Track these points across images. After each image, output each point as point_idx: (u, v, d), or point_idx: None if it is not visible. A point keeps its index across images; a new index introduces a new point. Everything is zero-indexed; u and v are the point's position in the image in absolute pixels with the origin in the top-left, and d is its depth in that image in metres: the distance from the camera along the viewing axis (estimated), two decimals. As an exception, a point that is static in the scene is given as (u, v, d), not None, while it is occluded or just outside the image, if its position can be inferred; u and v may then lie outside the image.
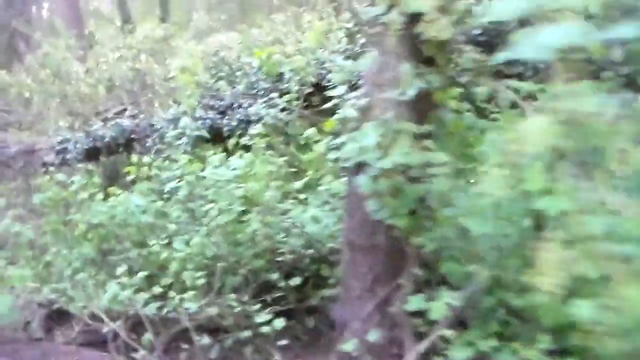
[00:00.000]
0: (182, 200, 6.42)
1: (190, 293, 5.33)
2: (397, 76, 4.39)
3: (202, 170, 6.41)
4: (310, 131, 6.45)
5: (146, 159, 7.81)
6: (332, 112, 7.36)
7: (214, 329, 5.19)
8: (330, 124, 5.52)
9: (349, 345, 4.39)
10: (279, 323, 4.76)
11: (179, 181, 6.57)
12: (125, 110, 13.27)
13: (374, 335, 4.44)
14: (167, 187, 6.44)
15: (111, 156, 9.42)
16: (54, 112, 11.57)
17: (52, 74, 12.62)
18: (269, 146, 7.26)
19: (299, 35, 16.29)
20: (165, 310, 5.30)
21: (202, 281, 5.54)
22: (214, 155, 6.95)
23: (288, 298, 5.58)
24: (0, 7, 15.99)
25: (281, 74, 8.50)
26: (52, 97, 12.02)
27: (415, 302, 4.10)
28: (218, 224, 5.96)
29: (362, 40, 8.13)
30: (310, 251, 5.75)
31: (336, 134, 6.46)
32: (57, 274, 6.18)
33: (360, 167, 4.22)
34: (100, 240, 6.80)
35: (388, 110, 4.39)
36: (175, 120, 8.64)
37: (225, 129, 8.29)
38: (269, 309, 5.26)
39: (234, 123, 8.28)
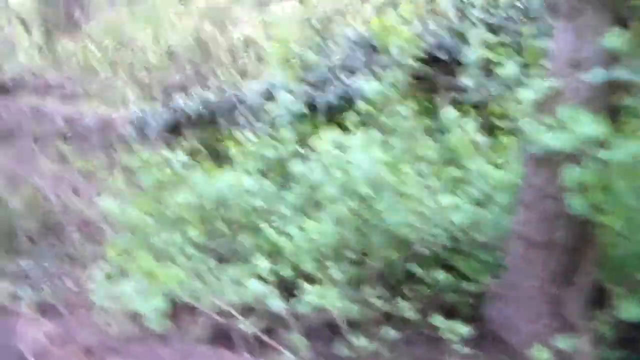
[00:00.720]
0: (304, 183, 6.00)
1: (326, 286, 4.91)
2: (596, 54, 3.90)
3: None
4: (448, 110, 5.94)
5: (241, 134, 7.40)
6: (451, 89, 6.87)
7: (360, 327, 4.76)
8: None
9: (541, 354, 3.94)
10: (460, 327, 4.31)
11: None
12: (185, 80, 12.86)
13: (564, 342, 4.00)
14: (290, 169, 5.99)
15: (194, 130, 8.95)
16: (122, 82, 11.14)
17: (116, 42, 12.19)
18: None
19: (360, 6, 15.79)
20: (301, 304, 4.89)
21: (333, 272, 5.13)
22: (328, 134, 6.49)
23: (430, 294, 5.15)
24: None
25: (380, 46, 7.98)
26: (119, 66, 11.59)
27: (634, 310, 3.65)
28: (348, 208, 5.53)
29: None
30: (451, 243, 5.31)
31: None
32: (170, 262, 5.76)
33: (547, 156, 3.77)
34: (206, 223, 6.40)
35: (582, 94, 3.91)
36: (267, 94, 8.15)
37: (321, 104, 7.79)
38: (416, 304, 4.86)
39: (332, 99, 7.78)
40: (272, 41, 9.74)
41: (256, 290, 4.83)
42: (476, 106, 6.31)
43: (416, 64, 7.26)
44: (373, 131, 6.93)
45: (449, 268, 5.22)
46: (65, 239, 7.22)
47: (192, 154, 8.86)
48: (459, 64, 7.60)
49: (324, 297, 4.86)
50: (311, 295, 4.87)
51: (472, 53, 5.86)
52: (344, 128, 7.70)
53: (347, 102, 7.93)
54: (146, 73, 11.65)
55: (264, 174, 6.78)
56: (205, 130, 8.99)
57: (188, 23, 12.46)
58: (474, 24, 7.54)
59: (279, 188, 6.58)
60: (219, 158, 8.96)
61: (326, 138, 6.38)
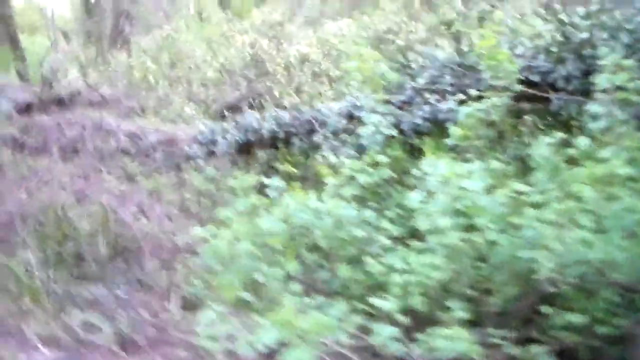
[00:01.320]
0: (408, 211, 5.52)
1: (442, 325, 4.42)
2: None
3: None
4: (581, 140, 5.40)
5: (325, 157, 6.96)
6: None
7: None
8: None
9: None
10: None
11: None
12: (241, 98, 12.49)
13: None
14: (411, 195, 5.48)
15: (266, 151, 8.52)
16: (180, 98, 10.78)
17: (172, 57, 11.85)
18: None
19: (412, 25, 15.40)
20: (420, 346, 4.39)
21: (454, 310, 4.64)
22: (435, 160, 6.02)
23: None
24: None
25: (471, 67, 7.54)
26: (176, 82, 11.25)
27: None
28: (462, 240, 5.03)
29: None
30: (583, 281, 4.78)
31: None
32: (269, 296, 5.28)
33: None
34: (301, 253, 5.93)
35: None
36: (348, 114, 7.71)
37: (408, 126, 7.32)
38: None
39: (419, 120, 7.31)
40: (350, 59, 9.27)
41: (381, 332, 4.33)
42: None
43: (516, 87, 6.83)
44: (491, 160, 6.49)
45: (578, 308, 4.71)
46: (138, 263, 6.77)
47: (268, 175, 8.48)
48: (554, 87, 7.15)
49: (451, 339, 4.36)
50: (437, 338, 4.37)
51: (603, 78, 5.34)
52: (435, 151, 7.28)
53: (435, 124, 7.49)
54: (204, 89, 11.30)
55: (360, 200, 6.32)
56: (278, 151, 8.57)
57: (244, 39, 12.07)
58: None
59: (378, 216, 6.10)
60: (300, 181, 8.54)
61: (433, 164, 5.92)
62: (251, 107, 12.49)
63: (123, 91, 11.22)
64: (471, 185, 5.25)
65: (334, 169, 7.26)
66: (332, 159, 6.88)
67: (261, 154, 8.40)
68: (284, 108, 8.65)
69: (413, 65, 7.97)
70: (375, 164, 6.70)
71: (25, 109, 9.88)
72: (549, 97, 7.10)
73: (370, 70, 7.59)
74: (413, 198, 5.37)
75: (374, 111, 7.46)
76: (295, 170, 8.24)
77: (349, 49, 13.23)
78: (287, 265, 5.51)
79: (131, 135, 8.96)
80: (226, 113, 11.46)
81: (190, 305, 6.39)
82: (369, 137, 6.86)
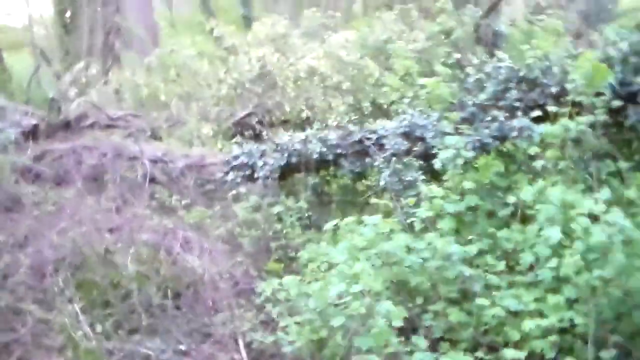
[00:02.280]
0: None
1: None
2: None
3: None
4: None
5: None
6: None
7: None
8: None
9: None
10: None
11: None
12: (250, 114, 11.55)
13: None
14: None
15: (311, 174, 7.64)
16: (193, 118, 9.79)
17: (178, 74, 10.85)
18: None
19: (412, 34, 14.66)
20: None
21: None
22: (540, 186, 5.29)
23: None
24: (98, 3, 14.16)
25: (535, 81, 6.81)
26: (189, 101, 10.25)
27: None
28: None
29: None
30: None
31: None
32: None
33: None
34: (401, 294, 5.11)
35: None
36: (408, 134, 6.89)
37: (470, 146, 6.51)
38: None
39: (487, 140, 6.54)
40: (391, 74, 8.50)
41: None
42: None
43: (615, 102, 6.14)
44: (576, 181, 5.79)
45: None
46: (195, 310, 5.83)
47: (320, 202, 7.59)
48: (630, 100, 6.47)
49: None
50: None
51: None
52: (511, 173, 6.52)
53: (501, 140, 6.74)
54: (216, 107, 10.33)
55: (452, 232, 5.52)
56: (326, 174, 7.70)
57: (252, 53, 11.13)
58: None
59: (479, 252, 5.32)
60: (356, 207, 7.67)
61: (539, 190, 5.19)
62: (260, 123, 11.62)
63: (131, 112, 10.19)
64: (613, 219, 4.50)
65: (397, 197, 6.51)
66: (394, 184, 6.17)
67: (302, 178, 7.54)
68: (324, 127, 7.74)
69: (469, 79, 7.19)
70: (458, 190, 5.96)
71: (31, 134, 8.79)
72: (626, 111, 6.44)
73: (436, 86, 6.82)
74: (553, 233, 4.59)
75: (437, 130, 6.69)
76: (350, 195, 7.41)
77: (358, 61, 12.50)
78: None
79: (157, 161, 7.98)
80: (235, 131, 10.57)
81: (260, 355, 5.53)
82: (447, 160, 6.06)
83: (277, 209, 7.08)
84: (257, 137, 11.37)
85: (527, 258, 5.09)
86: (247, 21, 15.93)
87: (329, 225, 5.99)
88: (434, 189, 5.64)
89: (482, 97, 6.90)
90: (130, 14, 15.59)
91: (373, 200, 7.01)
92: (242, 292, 6.17)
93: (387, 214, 7.23)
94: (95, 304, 5.69)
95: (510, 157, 6.76)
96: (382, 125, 7.35)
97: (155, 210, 7.05)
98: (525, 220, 6.06)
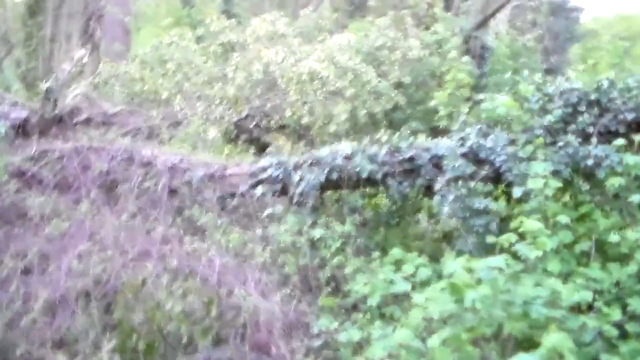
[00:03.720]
0: None
1: None
2: None
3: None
4: None
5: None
6: None
7: None
8: None
9: None
10: None
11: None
12: (247, 117, 10.39)
13: None
14: None
15: (351, 193, 6.58)
16: (198, 117, 8.55)
17: (176, 69, 9.56)
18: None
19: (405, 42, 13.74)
20: None
21: None
22: None
23: None
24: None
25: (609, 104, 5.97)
26: (191, 99, 9.00)
27: None
28: None
29: None
30: None
31: None
32: None
33: None
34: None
35: None
36: (470, 156, 5.93)
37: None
38: None
39: (558, 167, 5.65)
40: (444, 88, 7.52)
41: None
42: None
43: None
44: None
45: None
46: (252, 351, 4.73)
47: (367, 226, 6.54)
48: None
49: None
50: None
51: None
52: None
53: (573, 168, 5.88)
54: (221, 107, 9.12)
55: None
56: (370, 194, 6.66)
57: (263, 53, 9.96)
58: None
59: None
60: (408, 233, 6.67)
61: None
62: (258, 127, 10.47)
63: (126, 108, 8.86)
64: None
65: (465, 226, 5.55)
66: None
67: (344, 197, 6.48)
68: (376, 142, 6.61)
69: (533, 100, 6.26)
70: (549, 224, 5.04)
71: (21, 130, 7.40)
72: None
73: (512, 105, 5.86)
74: None
75: (517, 156, 5.75)
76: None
77: (358, 67, 11.48)
78: None
79: (174, 169, 6.74)
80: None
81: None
82: (538, 190, 5.12)
83: (318, 232, 6.01)
84: (252, 142, 10.28)
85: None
86: (228, 16, 14.64)
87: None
88: (533, 223, 4.67)
89: (550, 119, 5.99)
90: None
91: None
92: (294, 331, 5.10)
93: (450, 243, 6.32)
94: (130, 349, 4.51)
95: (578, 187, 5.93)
96: (435, 144, 6.36)
97: (183, 229, 5.84)
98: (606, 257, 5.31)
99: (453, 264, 4.21)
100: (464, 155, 6.00)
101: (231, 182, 6.86)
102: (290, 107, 10.30)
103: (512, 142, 5.93)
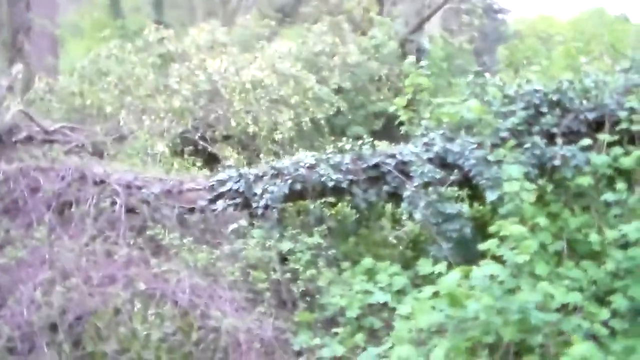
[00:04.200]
0: None
1: None
2: None
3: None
4: None
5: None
6: None
7: None
8: None
9: None
10: None
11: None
12: (190, 129, 10.02)
13: None
14: None
15: (314, 203, 6.36)
16: (144, 131, 8.15)
17: (119, 83, 9.11)
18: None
19: (344, 48, 13.63)
20: None
21: None
22: None
23: None
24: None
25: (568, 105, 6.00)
26: (135, 112, 8.57)
27: None
28: None
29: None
30: None
31: None
32: None
33: None
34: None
35: None
36: (437, 161, 5.84)
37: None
38: None
39: (527, 168, 5.63)
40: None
41: None
42: None
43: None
44: None
45: None
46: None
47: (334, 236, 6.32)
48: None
49: None
50: None
51: None
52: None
53: (540, 169, 5.88)
54: (167, 120, 8.74)
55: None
56: (334, 203, 6.46)
57: (208, 63, 9.64)
58: None
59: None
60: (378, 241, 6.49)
61: None
62: (203, 139, 10.12)
63: (66, 124, 8.36)
64: None
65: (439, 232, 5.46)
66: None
67: (307, 207, 6.26)
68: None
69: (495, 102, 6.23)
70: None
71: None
72: None
73: (480, 111, 5.79)
74: None
75: (486, 159, 5.68)
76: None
77: (298, 73, 11.30)
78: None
79: (129, 187, 6.36)
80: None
81: None
82: (513, 195, 5.07)
83: (286, 245, 5.79)
84: (198, 154, 9.91)
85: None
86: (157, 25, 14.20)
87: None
88: (515, 227, 4.58)
89: (514, 121, 5.98)
90: (35, 10, 13.30)
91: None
92: (275, 350, 4.86)
93: (419, 249, 6.21)
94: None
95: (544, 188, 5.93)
96: (399, 150, 6.23)
97: (147, 250, 5.50)
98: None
99: (452, 275, 4.06)
100: (430, 160, 5.91)
101: (189, 197, 6.53)
102: (234, 116, 10.02)
103: (479, 145, 5.88)
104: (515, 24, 24.89)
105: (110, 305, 4.58)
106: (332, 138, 12.96)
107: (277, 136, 10.41)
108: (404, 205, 5.86)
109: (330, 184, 6.04)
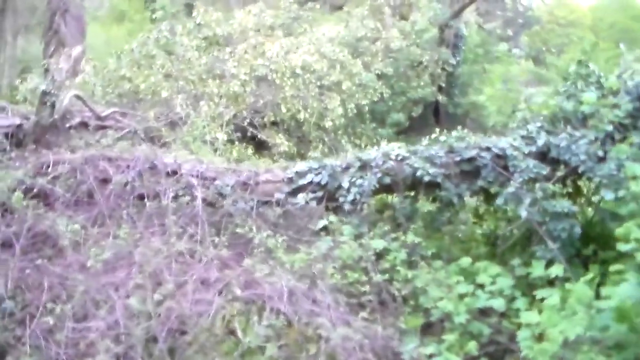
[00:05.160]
0: None
1: None
2: None
3: None
4: None
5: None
6: None
7: None
8: None
9: None
10: None
11: None
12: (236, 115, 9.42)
13: None
14: None
15: (407, 198, 5.82)
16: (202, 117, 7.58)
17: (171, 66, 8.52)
18: None
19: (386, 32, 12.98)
20: None
21: None
22: None
23: None
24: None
25: None
26: (194, 98, 8.00)
27: None
28: None
29: None
30: None
31: None
32: None
33: None
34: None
35: None
36: (542, 155, 5.31)
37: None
38: None
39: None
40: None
41: None
42: None
43: None
44: None
45: None
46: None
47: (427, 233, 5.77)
48: None
49: None
50: None
51: None
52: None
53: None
54: (222, 107, 8.16)
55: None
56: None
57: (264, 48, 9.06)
58: None
59: None
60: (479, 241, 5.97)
61: None
62: (252, 125, 9.53)
63: (117, 109, 7.79)
64: None
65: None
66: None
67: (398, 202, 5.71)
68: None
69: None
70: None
71: (13, 138, 6.30)
72: None
73: (591, 101, 5.23)
74: None
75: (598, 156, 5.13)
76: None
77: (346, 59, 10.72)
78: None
79: (203, 178, 5.82)
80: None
81: None
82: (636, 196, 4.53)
83: (380, 243, 5.27)
84: (248, 141, 9.35)
85: None
86: (188, 9, 13.57)
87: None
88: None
89: (618, 114, 5.42)
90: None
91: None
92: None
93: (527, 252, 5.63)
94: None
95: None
96: (493, 142, 5.67)
97: (232, 249, 4.97)
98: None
99: (624, 289, 3.54)
100: (530, 154, 5.38)
101: (265, 189, 6.01)
102: (284, 102, 9.46)
103: (593, 140, 5.32)
104: (535, 11, 24.21)
105: (209, 314, 4.06)
106: (373, 125, 12.55)
107: (328, 123, 9.89)
108: (499, 200, 5.34)
109: (427, 178, 5.50)
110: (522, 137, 5.55)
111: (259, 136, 9.31)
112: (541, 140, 5.38)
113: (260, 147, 9.41)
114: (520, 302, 4.81)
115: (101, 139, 6.98)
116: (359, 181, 5.63)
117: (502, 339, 4.74)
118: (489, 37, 15.57)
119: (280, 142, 9.31)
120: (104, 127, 7.51)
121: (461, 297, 4.95)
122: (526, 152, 5.39)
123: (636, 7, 25.39)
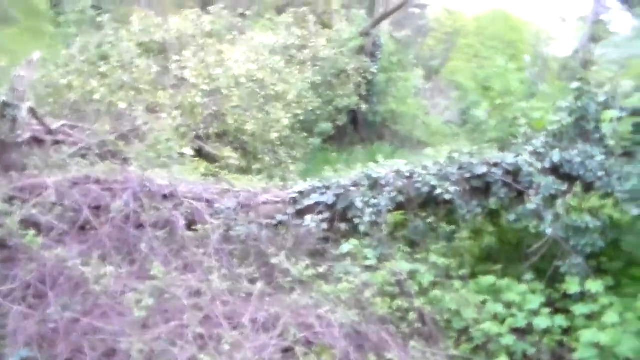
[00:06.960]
0: None
1: None
2: None
3: None
4: None
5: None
6: None
7: None
8: None
9: None
10: None
11: None
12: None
13: None
14: None
15: (418, 217, 5.52)
16: (165, 132, 6.83)
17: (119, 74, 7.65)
18: None
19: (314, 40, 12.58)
20: None
21: None
22: None
23: None
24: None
25: None
26: (148, 110, 7.18)
27: None
28: None
29: None
30: None
31: None
32: None
33: None
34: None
35: None
36: (552, 168, 5.23)
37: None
38: None
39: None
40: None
41: None
42: None
43: None
44: None
45: None
46: None
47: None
48: None
49: None
50: None
51: None
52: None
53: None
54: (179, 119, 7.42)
55: None
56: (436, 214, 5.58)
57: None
58: None
59: None
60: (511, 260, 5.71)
61: None
62: (198, 137, 8.83)
63: (66, 122, 6.85)
64: None
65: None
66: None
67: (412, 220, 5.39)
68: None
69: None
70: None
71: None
72: None
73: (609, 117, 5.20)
74: None
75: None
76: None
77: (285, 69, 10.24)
78: None
79: (203, 200, 5.18)
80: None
81: None
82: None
83: (406, 266, 4.96)
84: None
85: None
86: (96, 11, 12.54)
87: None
88: None
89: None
90: None
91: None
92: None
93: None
94: None
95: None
96: (501, 158, 5.54)
97: (264, 279, 4.45)
98: None
99: None
100: (543, 170, 5.29)
101: (265, 211, 5.50)
102: (230, 113, 8.90)
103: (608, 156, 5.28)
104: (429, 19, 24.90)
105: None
106: (304, 134, 12.14)
107: (273, 135, 9.42)
108: (511, 217, 5.24)
109: (446, 195, 5.25)
110: (532, 152, 5.46)
111: (205, 149, 8.70)
112: (556, 157, 5.30)
113: (206, 160, 8.79)
114: (559, 320, 4.70)
115: (54, 154, 6.11)
116: (373, 201, 5.29)
117: (545, 357, 4.62)
118: (400, 46, 15.67)
119: (229, 155, 8.74)
120: (57, 142, 6.63)
121: (494, 316, 4.78)
122: (539, 168, 5.30)
123: (515, 19, 26.85)
